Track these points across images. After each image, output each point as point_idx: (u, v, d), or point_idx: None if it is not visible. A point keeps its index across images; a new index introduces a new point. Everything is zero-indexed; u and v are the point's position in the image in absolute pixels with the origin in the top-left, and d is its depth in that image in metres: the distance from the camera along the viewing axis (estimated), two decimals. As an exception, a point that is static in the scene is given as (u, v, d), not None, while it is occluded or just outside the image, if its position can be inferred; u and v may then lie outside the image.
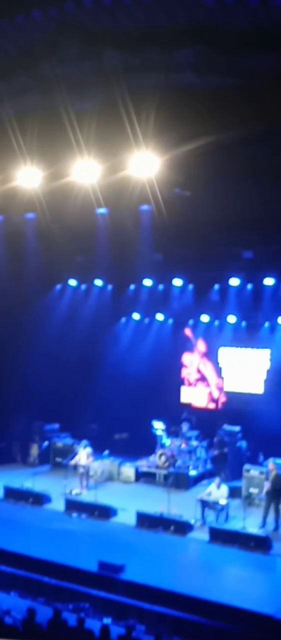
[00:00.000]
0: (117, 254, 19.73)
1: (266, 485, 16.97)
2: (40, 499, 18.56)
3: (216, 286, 22.50)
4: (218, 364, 24.29)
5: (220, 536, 15.75)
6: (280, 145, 13.25)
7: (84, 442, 20.38)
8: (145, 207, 17.27)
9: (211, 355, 24.44)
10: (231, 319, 23.60)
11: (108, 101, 12.47)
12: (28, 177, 15.80)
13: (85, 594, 13.46)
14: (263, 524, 16.55)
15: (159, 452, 21.37)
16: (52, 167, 15.16)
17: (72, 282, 24.64)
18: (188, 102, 12.13)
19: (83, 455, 19.86)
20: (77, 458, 19.98)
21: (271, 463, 17.33)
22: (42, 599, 13.66)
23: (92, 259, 21.02)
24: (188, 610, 12.43)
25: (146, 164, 14.38)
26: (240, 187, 15.34)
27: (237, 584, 13.58)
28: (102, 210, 18.11)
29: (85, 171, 15.07)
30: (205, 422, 22.08)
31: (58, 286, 24.80)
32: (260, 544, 15.20)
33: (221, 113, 12.25)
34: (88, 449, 19.94)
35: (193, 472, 20.73)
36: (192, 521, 16.68)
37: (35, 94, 12.99)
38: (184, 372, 24.85)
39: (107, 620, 12.33)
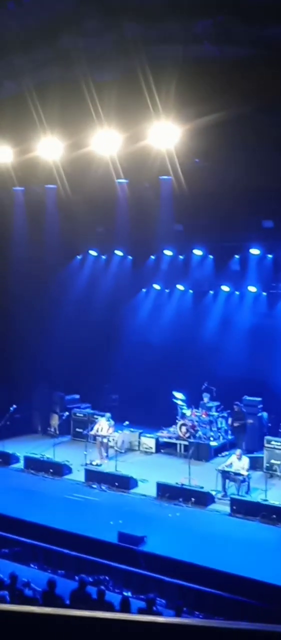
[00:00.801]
0: (137, 224, 19.61)
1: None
2: (60, 469, 18.71)
3: (237, 256, 22.29)
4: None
5: (242, 508, 15.73)
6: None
7: (107, 414, 20.45)
8: (165, 177, 17.08)
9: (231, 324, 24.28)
10: (252, 289, 23.39)
11: (128, 72, 12.29)
12: (48, 148, 15.73)
13: (105, 566, 13.56)
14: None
15: (180, 422, 21.36)
16: (72, 137, 15.06)
17: (93, 253, 24.58)
18: (208, 73, 11.92)
19: (104, 425, 19.93)
20: (97, 427, 20.06)
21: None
22: (62, 571, 13.78)
23: (113, 230, 20.92)
24: (209, 584, 12.44)
25: (166, 135, 14.21)
26: (260, 157, 15.12)
27: (259, 557, 13.57)
28: (122, 181, 17.96)
29: (105, 142, 14.95)
30: (226, 392, 21.98)
31: (78, 257, 24.77)
32: (282, 516, 15.17)
33: (241, 83, 12.06)
34: (111, 421, 20.02)
35: (214, 443, 20.72)
36: (213, 493, 16.70)
37: (55, 66, 12.84)
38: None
39: (127, 593, 12.42)
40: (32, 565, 14.18)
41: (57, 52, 12.31)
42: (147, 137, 14.35)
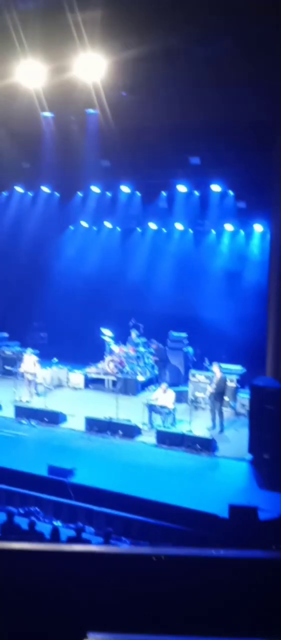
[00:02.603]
0: (64, 160, 19.30)
1: (210, 388, 17.50)
2: (-11, 407, 18.65)
3: (164, 193, 22.40)
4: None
5: (167, 439, 16.23)
6: (226, 48, 13.05)
7: (29, 349, 20.45)
8: (91, 111, 16.86)
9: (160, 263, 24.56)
10: (179, 226, 23.65)
11: (52, 0, 11.96)
12: None
13: (35, 498, 13.76)
14: (213, 425, 17.16)
15: (108, 358, 21.63)
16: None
17: (19, 190, 24.10)
18: (136, 2, 11.75)
19: (29, 362, 19.92)
20: (23, 365, 20.03)
21: (215, 366, 17.81)
22: (-7, 504, 13.90)
23: (39, 166, 20.52)
24: (136, 512, 12.87)
25: (92, 67, 13.97)
26: (188, 92, 15.10)
27: (183, 484, 14.07)
28: (47, 114, 17.59)
29: (30, 73, 14.53)
30: (153, 329, 22.34)
31: (4, 193, 24.22)
32: (205, 445, 15.76)
33: (169, 14, 11.94)
34: (34, 356, 20.00)
35: (141, 378, 21.13)
36: (140, 425, 17.10)
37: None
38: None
39: (57, 523, 12.70)
40: None
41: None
42: (72, 69, 14.05)
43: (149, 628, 2.12)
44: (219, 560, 2.26)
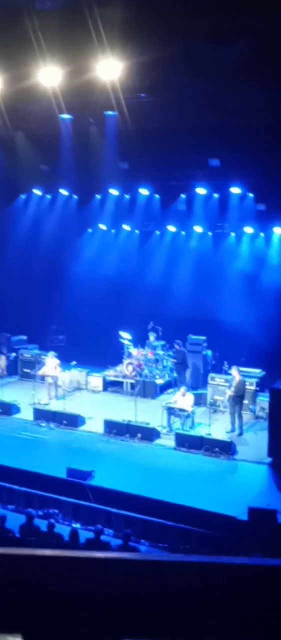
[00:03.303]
0: (82, 162, 19.36)
1: (229, 392, 17.39)
2: (8, 409, 18.70)
3: (183, 195, 22.33)
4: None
5: (186, 442, 16.13)
6: (246, 49, 12.96)
7: (51, 352, 20.48)
8: (110, 113, 16.86)
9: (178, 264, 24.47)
10: (198, 228, 23.56)
11: (72, 1, 11.97)
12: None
13: (54, 500, 13.76)
14: (232, 428, 17.04)
15: (126, 361, 21.58)
16: (13, 70, 14.61)
17: (37, 192, 24.19)
18: (155, 4, 11.72)
19: (50, 365, 19.96)
20: (44, 368, 20.10)
21: (234, 369, 17.68)
22: (12, 506, 13.92)
23: (57, 168, 20.58)
24: (155, 514, 12.82)
25: (111, 69, 13.99)
26: (207, 93, 15.05)
27: (202, 487, 13.97)
28: (65, 117, 17.64)
29: (48, 75, 14.58)
30: (172, 332, 22.27)
31: (22, 196, 24.34)
32: (224, 448, 15.64)
33: (188, 16, 11.89)
34: (56, 360, 20.04)
35: (159, 381, 21.05)
36: (159, 428, 17.02)
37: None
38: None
39: (76, 525, 12.67)
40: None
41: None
42: (91, 71, 14.10)
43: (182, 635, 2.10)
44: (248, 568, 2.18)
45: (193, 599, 2.08)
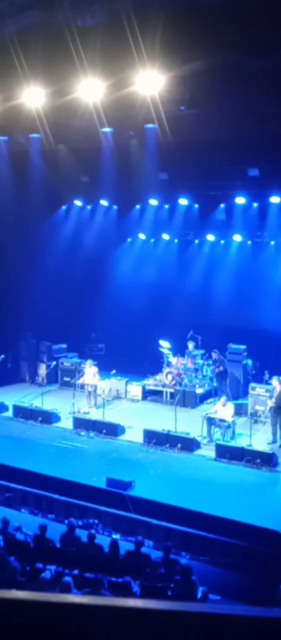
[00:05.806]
0: (122, 173, 19.53)
1: (270, 402, 17.25)
2: (49, 417, 18.90)
3: (222, 205, 22.29)
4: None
5: (227, 453, 16.02)
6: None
7: (90, 361, 20.66)
8: (150, 125, 16.98)
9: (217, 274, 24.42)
10: (237, 237, 23.49)
11: (112, 17, 12.13)
12: (32, 96, 15.53)
13: (94, 510, 13.85)
14: (274, 440, 16.89)
15: (166, 370, 21.60)
16: (55, 85, 14.88)
17: (78, 203, 24.48)
18: (193, 19, 11.78)
19: (89, 374, 20.13)
20: (83, 377, 20.27)
21: (275, 380, 17.53)
22: (52, 515, 14.07)
23: (97, 179, 20.81)
24: (195, 526, 12.78)
25: (151, 82, 14.10)
26: (246, 104, 15.04)
27: (243, 499, 13.90)
28: (106, 130, 17.84)
29: (89, 89, 14.79)
30: (211, 341, 22.22)
31: (64, 207, 24.66)
32: (265, 460, 15.48)
33: (227, 29, 11.92)
34: (95, 368, 20.20)
35: (199, 390, 21.00)
36: (199, 438, 17.00)
37: (37, 11, 12.63)
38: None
39: (116, 536, 12.73)
40: (23, 510, 14.46)
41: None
42: (131, 85, 14.24)
43: None
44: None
45: None
